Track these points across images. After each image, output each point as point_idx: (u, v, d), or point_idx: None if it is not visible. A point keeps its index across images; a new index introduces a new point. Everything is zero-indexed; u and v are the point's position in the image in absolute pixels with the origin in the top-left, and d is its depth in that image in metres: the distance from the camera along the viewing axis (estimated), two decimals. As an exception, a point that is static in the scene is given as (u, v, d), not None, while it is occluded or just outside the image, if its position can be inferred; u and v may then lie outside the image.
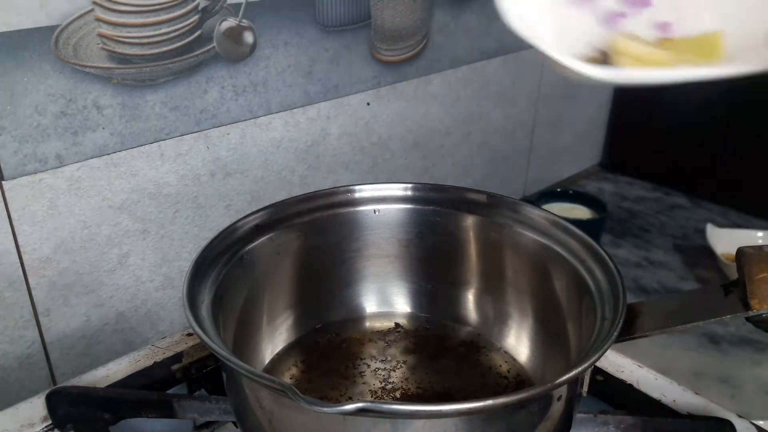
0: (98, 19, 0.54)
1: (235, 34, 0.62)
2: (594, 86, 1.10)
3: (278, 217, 0.53)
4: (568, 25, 0.41)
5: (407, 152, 0.85)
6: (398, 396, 0.51)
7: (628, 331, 0.43)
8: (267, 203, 0.54)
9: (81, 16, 0.53)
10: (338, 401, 0.33)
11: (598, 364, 0.51)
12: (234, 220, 0.51)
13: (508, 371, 0.53)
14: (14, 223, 0.54)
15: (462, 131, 0.92)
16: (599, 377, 0.54)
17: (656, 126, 1.19)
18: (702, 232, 0.95)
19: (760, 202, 1.06)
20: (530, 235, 0.53)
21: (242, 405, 0.43)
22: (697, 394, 0.52)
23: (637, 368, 0.55)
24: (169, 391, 0.55)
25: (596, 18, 0.41)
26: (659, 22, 0.41)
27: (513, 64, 0.95)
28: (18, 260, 0.55)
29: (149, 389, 0.54)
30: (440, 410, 0.35)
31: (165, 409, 0.49)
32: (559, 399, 0.40)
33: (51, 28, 0.51)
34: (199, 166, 0.64)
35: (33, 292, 0.57)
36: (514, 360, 0.54)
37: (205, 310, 0.43)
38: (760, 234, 0.94)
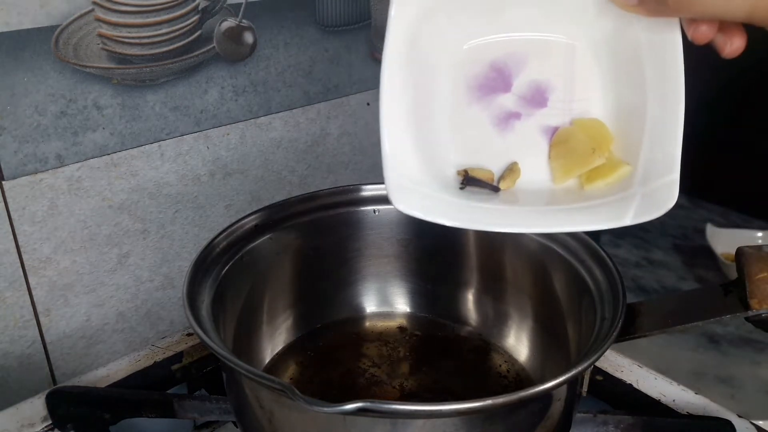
0: (98, 19, 0.54)
1: (235, 34, 0.62)
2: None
3: (278, 217, 0.53)
4: (467, 134, 0.41)
5: (407, 152, 0.85)
6: (398, 396, 0.51)
7: (628, 331, 0.43)
8: (267, 203, 0.54)
9: (81, 16, 0.53)
10: (338, 401, 0.33)
11: (597, 363, 0.51)
12: (234, 220, 0.51)
13: (508, 371, 0.53)
14: (14, 223, 0.54)
15: (462, 131, 0.92)
16: (599, 377, 0.54)
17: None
18: (702, 232, 0.95)
19: (760, 202, 1.06)
20: (530, 235, 0.53)
21: (242, 405, 0.43)
22: (696, 394, 0.52)
23: (637, 368, 0.55)
24: (169, 391, 0.55)
25: (490, 118, 0.41)
26: (547, 126, 0.40)
27: (513, 64, 0.95)
28: (18, 260, 0.55)
29: (149, 389, 0.54)
30: (440, 410, 0.35)
31: (165, 409, 0.49)
32: (558, 399, 0.40)
33: (51, 28, 0.51)
34: (199, 166, 0.64)
35: (33, 292, 0.57)
36: (514, 360, 0.54)
37: (205, 310, 0.43)
38: (760, 234, 0.94)
